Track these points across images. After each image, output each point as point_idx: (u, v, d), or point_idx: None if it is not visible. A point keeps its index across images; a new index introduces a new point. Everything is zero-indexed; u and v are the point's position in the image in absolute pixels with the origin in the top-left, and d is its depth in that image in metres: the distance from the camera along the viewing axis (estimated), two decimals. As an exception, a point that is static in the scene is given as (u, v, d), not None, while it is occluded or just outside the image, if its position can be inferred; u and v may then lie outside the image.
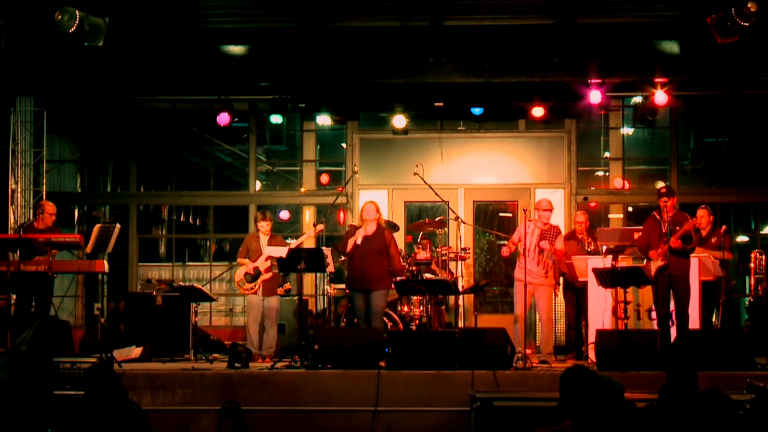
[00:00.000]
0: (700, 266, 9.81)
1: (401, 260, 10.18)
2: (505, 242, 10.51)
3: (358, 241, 9.70)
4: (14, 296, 10.07)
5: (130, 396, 6.16)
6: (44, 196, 12.44)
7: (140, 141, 13.90)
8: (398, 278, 9.93)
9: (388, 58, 11.45)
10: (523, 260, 9.87)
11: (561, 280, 10.66)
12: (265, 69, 11.77)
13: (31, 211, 12.21)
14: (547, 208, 10.19)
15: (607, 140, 13.51)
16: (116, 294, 12.55)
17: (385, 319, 10.34)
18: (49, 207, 10.36)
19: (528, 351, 9.54)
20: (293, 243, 10.57)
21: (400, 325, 10.35)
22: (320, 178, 13.77)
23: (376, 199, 13.03)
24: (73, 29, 9.53)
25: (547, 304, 9.96)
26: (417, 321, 10.50)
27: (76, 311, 13.21)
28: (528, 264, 9.77)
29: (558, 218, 12.19)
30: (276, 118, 13.19)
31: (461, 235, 11.26)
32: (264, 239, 10.34)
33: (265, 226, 10.36)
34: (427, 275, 10.67)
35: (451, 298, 11.32)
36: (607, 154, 13.51)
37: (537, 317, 9.99)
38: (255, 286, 10.24)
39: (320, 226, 10.28)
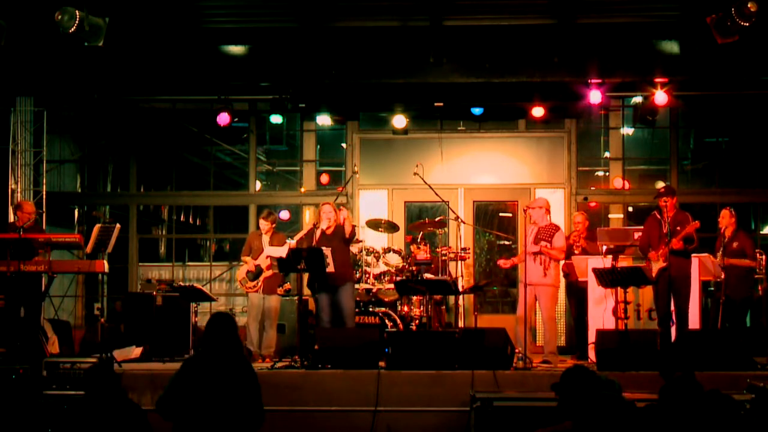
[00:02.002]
0: (700, 266, 9.81)
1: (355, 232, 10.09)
2: (506, 242, 10.50)
3: (317, 237, 9.71)
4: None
5: (130, 396, 6.15)
6: (44, 196, 12.45)
7: (140, 141, 13.90)
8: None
9: (388, 58, 11.44)
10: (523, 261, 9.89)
11: (563, 280, 10.66)
12: (265, 69, 11.77)
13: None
14: (537, 206, 10.09)
15: (607, 140, 13.51)
16: (116, 294, 12.55)
17: (385, 319, 10.35)
18: (28, 206, 10.34)
19: (529, 351, 9.52)
20: (293, 241, 10.57)
21: (400, 325, 10.35)
22: (320, 178, 13.77)
23: (376, 199, 13.16)
24: (73, 29, 9.52)
25: (549, 304, 9.86)
26: (417, 321, 10.50)
27: (76, 311, 13.21)
28: (527, 264, 9.75)
29: (558, 218, 12.19)
30: (276, 118, 13.19)
31: (461, 235, 11.25)
32: (266, 238, 10.37)
33: (265, 225, 10.37)
34: (427, 275, 10.67)
35: (451, 298, 11.32)
36: (607, 154, 13.51)
37: (539, 317, 9.95)
38: (257, 284, 10.27)
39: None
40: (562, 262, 10.23)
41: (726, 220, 10.32)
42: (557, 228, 10.00)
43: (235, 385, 5.32)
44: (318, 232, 9.81)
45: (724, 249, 10.05)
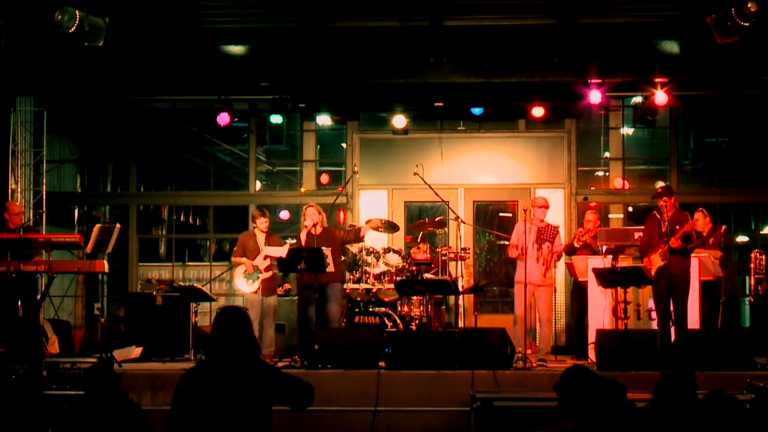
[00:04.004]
0: (700, 266, 9.81)
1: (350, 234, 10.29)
2: (506, 242, 10.50)
3: (303, 238, 9.78)
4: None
5: (130, 396, 6.15)
6: (44, 196, 12.45)
7: (140, 141, 13.90)
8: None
9: (388, 58, 11.44)
10: (522, 261, 9.87)
11: (567, 279, 10.70)
12: (265, 69, 11.77)
13: (31, 211, 12.20)
14: (542, 205, 10.14)
15: (607, 140, 13.51)
16: (116, 294, 12.55)
17: (385, 319, 10.34)
18: (13, 207, 10.34)
19: (528, 351, 9.54)
20: (293, 240, 10.56)
21: (400, 325, 10.34)
22: (320, 178, 13.77)
23: (376, 199, 13.17)
24: (73, 29, 9.53)
25: (548, 304, 9.95)
26: (417, 321, 10.50)
27: (76, 311, 13.21)
28: (528, 264, 9.76)
29: (558, 218, 12.21)
30: (276, 118, 13.19)
31: (461, 235, 11.26)
32: (261, 237, 10.28)
33: (264, 223, 10.29)
34: (427, 275, 10.66)
35: (451, 298, 11.32)
36: (607, 154, 13.51)
37: (537, 317, 9.95)
38: (256, 286, 10.17)
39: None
40: (563, 262, 10.27)
41: (702, 221, 10.48)
42: (557, 230, 10.10)
43: (258, 392, 4.51)
44: (304, 234, 9.83)
45: (702, 245, 10.24)
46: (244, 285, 10.17)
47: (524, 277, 9.66)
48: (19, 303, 9.85)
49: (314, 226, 9.84)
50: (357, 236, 10.22)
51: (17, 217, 10.09)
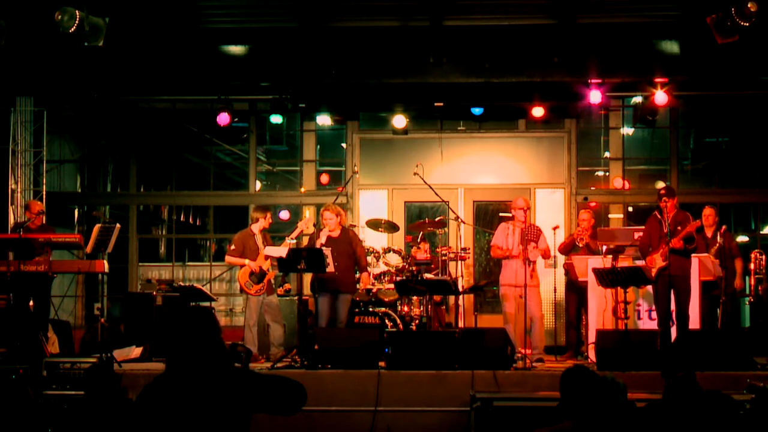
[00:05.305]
0: (700, 266, 9.81)
1: (366, 257, 10.33)
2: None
3: (323, 241, 9.75)
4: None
5: (130, 396, 6.15)
6: (44, 196, 12.45)
7: (140, 141, 13.90)
8: (363, 282, 10.23)
9: (388, 58, 11.45)
10: (509, 262, 9.93)
11: (564, 278, 10.70)
12: (265, 69, 11.77)
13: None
14: (522, 206, 10.21)
15: (607, 140, 13.52)
16: (116, 294, 12.55)
17: (385, 319, 10.34)
18: (34, 206, 10.35)
19: (528, 351, 9.55)
20: (292, 240, 10.54)
21: (400, 325, 10.34)
22: (320, 178, 13.77)
23: (376, 199, 13.17)
24: (73, 29, 9.54)
25: (538, 304, 10.04)
26: (417, 321, 10.50)
27: (76, 311, 13.21)
28: (514, 264, 9.81)
29: (558, 218, 12.22)
30: (276, 118, 13.19)
31: (461, 235, 11.26)
32: (259, 238, 10.22)
33: (265, 223, 10.25)
34: (427, 275, 10.66)
35: (451, 298, 11.32)
36: (607, 154, 13.51)
37: (528, 318, 9.94)
38: (263, 286, 10.11)
39: (312, 219, 10.38)
40: (563, 262, 10.29)
41: (712, 218, 10.52)
42: (540, 230, 10.23)
43: (232, 405, 3.66)
44: (324, 237, 9.80)
45: (708, 247, 10.24)
46: (252, 286, 10.09)
47: (512, 279, 9.81)
48: (31, 303, 9.86)
49: (332, 229, 9.85)
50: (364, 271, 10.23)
51: (30, 216, 10.14)
